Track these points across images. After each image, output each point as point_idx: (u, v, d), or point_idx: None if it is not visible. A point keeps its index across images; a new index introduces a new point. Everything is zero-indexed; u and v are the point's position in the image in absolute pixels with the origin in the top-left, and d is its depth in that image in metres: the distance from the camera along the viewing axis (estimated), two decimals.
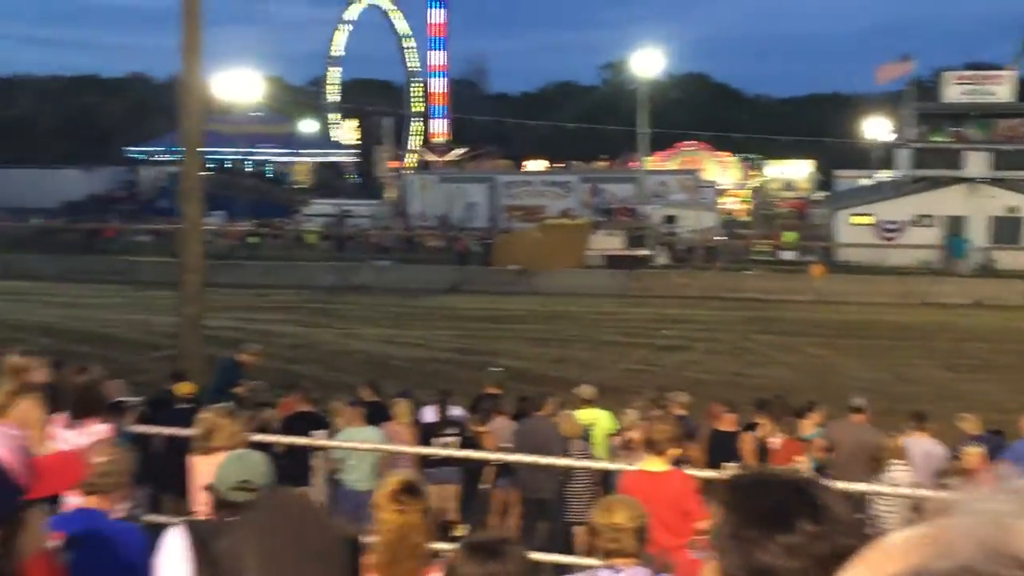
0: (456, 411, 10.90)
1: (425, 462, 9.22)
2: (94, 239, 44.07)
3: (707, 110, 74.17)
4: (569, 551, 7.33)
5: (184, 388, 9.91)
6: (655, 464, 4.94)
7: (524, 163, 61.93)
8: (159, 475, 8.56)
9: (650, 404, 10.03)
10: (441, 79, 71.86)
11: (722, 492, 1.58)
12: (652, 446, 4.91)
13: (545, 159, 63.68)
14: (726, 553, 1.42)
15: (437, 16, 70.80)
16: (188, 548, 1.28)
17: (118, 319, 25.76)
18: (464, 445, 9.43)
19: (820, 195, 61.50)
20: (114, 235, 44.83)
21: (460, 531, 8.28)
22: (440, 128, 71.69)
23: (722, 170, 60.71)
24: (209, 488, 3.26)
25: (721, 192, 55.18)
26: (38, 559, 2.11)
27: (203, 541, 1.30)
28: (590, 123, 63.29)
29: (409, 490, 3.01)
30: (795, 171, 67.90)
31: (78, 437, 5.44)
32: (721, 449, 8.89)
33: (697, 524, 5.06)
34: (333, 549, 1.46)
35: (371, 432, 8.60)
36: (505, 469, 9.17)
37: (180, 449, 7.94)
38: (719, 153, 62.91)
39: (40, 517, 1.68)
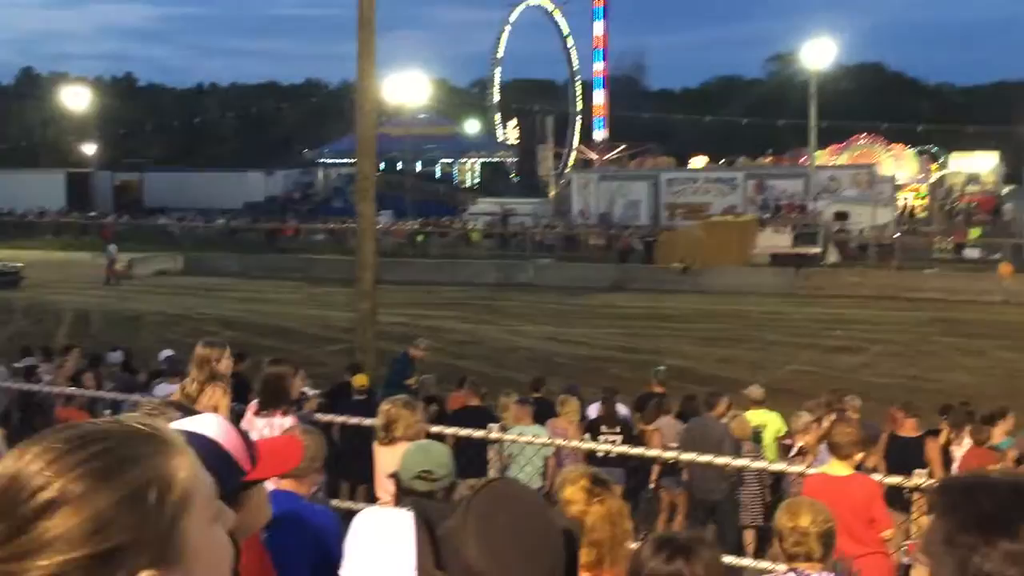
0: (621, 409, 10.87)
1: (590, 460, 9.23)
2: (274, 238, 46.57)
3: (882, 101, 70.75)
4: (740, 554, 7.17)
5: (360, 380, 10.32)
6: (838, 468, 4.77)
7: (688, 160, 60.93)
8: (337, 463, 8.98)
9: (824, 407, 9.70)
10: (601, 91, 71.74)
11: (935, 496, 1.50)
12: (836, 449, 4.73)
13: (708, 156, 62.44)
14: (940, 560, 1.36)
15: (599, 28, 70.71)
16: (415, 529, 1.35)
17: (296, 313, 27.10)
18: (627, 444, 9.37)
19: (1007, 189, 57.46)
20: (292, 234, 47.17)
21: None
22: (600, 127, 71.59)
23: (898, 164, 57.70)
24: (393, 476, 3.39)
25: (898, 187, 52.45)
26: (251, 539, 2.24)
27: (429, 523, 1.35)
28: (756, 117, 61.62)
29: (599, 481, 3.00)
30: (980, 164, 63.65)
31: (264, 426, 5.75)
32: (901, 455, 8.47)
33: (882, 531, 4.86)
34: (554, 539, 1.48)
35: (539, 430, 8.68)
36: (670, 469, 9.06)
37: (356, 438, 8.32)
38: (895, 146, 59.78)
39: (263, 497, 1.79)
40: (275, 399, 5.90)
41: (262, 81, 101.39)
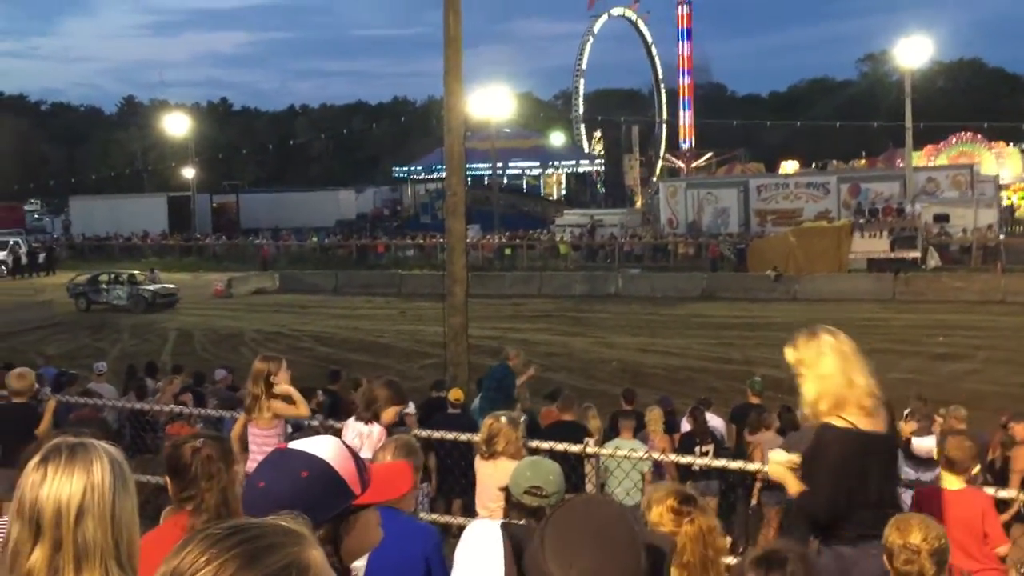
0: (714, 421, 10.71)
1: (687, 473, 9.13)
2: (365, 254, 47.43)
3: (981, 98, 68.29)
4: None
5: (456, 394, 10.43)
6: (951, 482, 4.62)
7: (777, 166, 59.82)
8: (436, 477, 9.11)
9: (925, 417, 9.37)
10: (688, 112, 71.10)
11: None
12: (951, 464, 4.58)
13: (799, 160, 61.19)
14: None
15: (684, 48, 70.30)
16: (503, 549, 1.36)
17: (388, 329, 27.52)
18: (719, 456, 9.22)
19: None
20: (383, 251, 47.96)
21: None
22: (686, 124, 70.92)
23: (1000, 162, 55.53)
24: (504, 490, 3.44)
25: (1002, 187, 50.44)
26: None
27: (517, 543, 1.36)
28: (848, 120, 60.13)
29: (687, 499, 2.94)
30: None
31: (355, 436, 5.82)
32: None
33: (996, 547, 4.67)
34: (634, 553, 1.48)
35: (635, 444, 8.63)
36: (772, 483, 8.88)
37: (454, 452, 8.40)
38: (996, 144, 57.54)
39: (374, 520, 1.84)
40: (375, 412, 5.94)
41: (350, 101, 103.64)
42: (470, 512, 7.45)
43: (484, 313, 25.53)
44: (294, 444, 1.77)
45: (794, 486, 4.06)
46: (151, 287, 33.57)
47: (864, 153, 60.60)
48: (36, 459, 1.73)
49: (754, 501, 9.18)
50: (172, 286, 34.53)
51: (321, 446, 1.76)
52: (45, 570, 1.64)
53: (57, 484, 1.68)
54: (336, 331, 27.17)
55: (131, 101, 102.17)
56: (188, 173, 62.03)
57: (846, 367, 3.98)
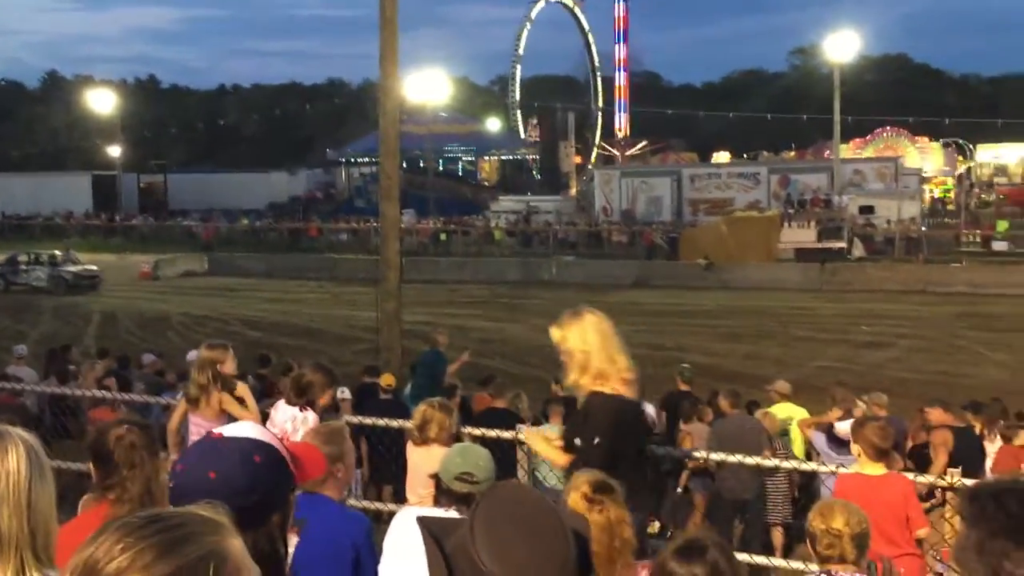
0: (647, 408, 10.83)
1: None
2: (297, 238, 46.80)
3: (907, 93, 70.09)
4: (769, 554, 7.13)
5: (387, 379, 10.36)
6: (871, 468, 4.73)
7: (711, 156, 60.69)
8: (366, 464, 9.04)
9: (847, 402, 9.60)
10: (622, 73, 71.40)
11: (964, 503, 1.49)
12: (872, 449, 4.69)
13: (731, 151, 62.14)
14: (970, 568, 1.35)
15: (620, 9, 70.46)
16: (424, 544, 1.34)
17: (321, 314, 27.22)
18: (651, 443, 9.32)
19: None
20: (316, 234, 47.38)
21: (653, 530, 8.22)
22: (622, 122, 71.39)
23: (924, 157, 57.18)
24: (433, 477, 3.42)
25: (925, 180, 51.96)
26: None
27: (437, 537, 1.34)
28: (779, 112, 61.23)
29: (602, 487, 2.96)
30: (1007, 155, 62.93)
31: (286, 420, 5.74)
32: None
33: (916, 532, 4.80)
34: (563, 539, 1.47)
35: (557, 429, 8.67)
36: (701, 471, 9.02)
37: (385, 439, 8.34)
38: (920, 139, 59.24)
39: (292, 504, 1.80)
40: (304, 398, 5.85)
41: (284, 82, 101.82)
42: (401, 499, 7.42)
43: (418, 298, 25.41)
44: (226, 430, 1.71)
45: (560, 459, 4.30)
46: (72, 268, 32.67)
47: (794, 145, 61.81)
48: None
49: (681, 487, 9.32)
50: (94, 267, 33.66)
51: (252, 430, 1.71)
52: None
53: None
54: (267, 315, 26.80)
55: (54, 76, 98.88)
56: (114, 151, 60.34)
57: (606, 344, 4.36)
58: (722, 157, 60.59)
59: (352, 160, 63.03)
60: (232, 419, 5.93)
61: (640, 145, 64.76)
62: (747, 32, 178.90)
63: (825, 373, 18.49)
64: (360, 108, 73.52)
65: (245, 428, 1.73)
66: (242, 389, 5.77)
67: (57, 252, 34.27)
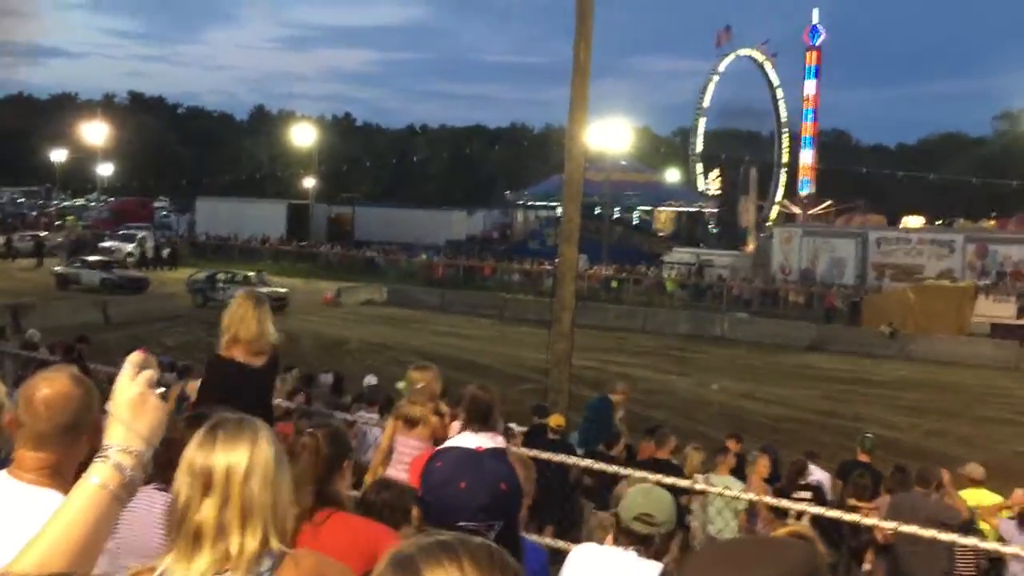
0: (819, 474, 10.35)
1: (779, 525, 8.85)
2: (472, 275, 47.91)
3: None
4: None
5: (556, 420, 10.39)
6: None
7: (899, 219, 57.96)
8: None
9: None
10: (810, 151, 69.38)
11: None
12: None
13: (924, 216, 59.11)
14: None
15: (810, 87, 68.73)
16: None
17: (489, 350, 27.65)
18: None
19: None
20: (490, 273, 48.36)
21: None
22: (806, 188, 69.36)
23: None
24: (614, 515, 3.39)
25: None
26: None
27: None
28: (980, 177, 57.84)
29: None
30: None
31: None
32: None
33: None
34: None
35: (734, 483, 8.42)
36: (884, 548, 8.50)
37: (549, 478, 8.35)
38: None
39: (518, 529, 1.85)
40: (485, 423, 5.93)
41: (469, 124, 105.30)
42: (564, 536, 7.40)
43: (586, 343, 25.37)
44: (476, 442, 1.78)
45: None
46: (263, 289, 34.67)
47: (994, 213, 58.16)
48: (205, 428, 1.80)
49: (867, 566, 8.73)
50: (283, 290, 35.58)
51: (505, 456, 1.77)
52: (213, 524, 1.71)
53: (227, 448, 1.76)
54: (438, 348, 27.44)
55: (261, 110, 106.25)
56: (309, 183, 63.91)
57: (248, 316, 5.03)
58: (912, 222, 57.69)
59: (530, 203, 64.13)
60: (438, 441, 6.11)
61: (825, 204, 62.68)
62: (947, 94, 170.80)
63: (1019, 459, 17.14)
64: (540, 152, 74.90)
65: (500, 453, 1.79)
66: (444, 407, 5.98)
67: (251, 273, 36.51)
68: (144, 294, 35.64)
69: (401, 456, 5.86)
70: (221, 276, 35.46)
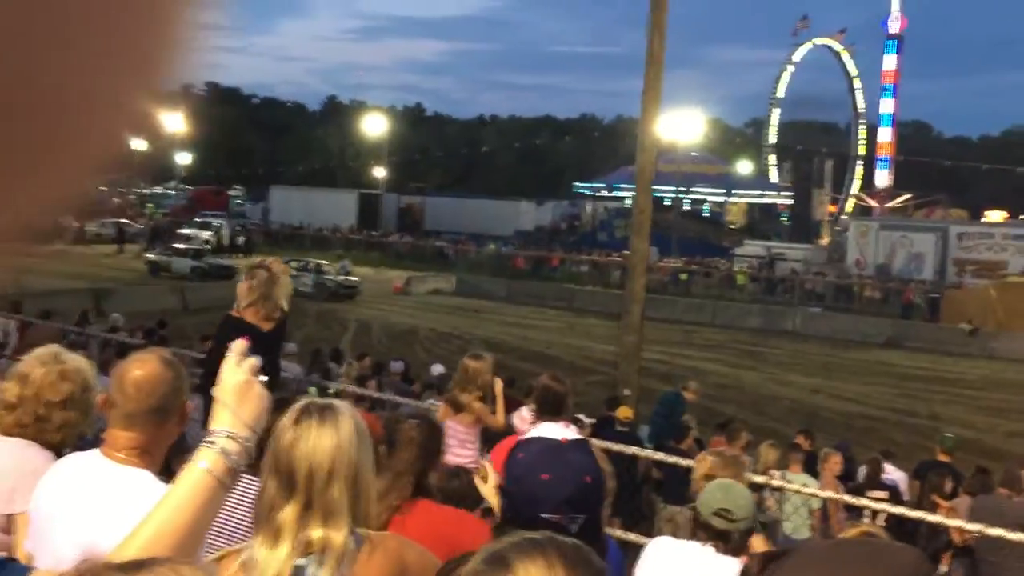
0: (895, 474, 10.11)
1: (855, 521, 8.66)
2: (540, 266, 47.89)
3: None
4: None
5: (624, 412, 10.32)
6: None
7: (982, 214, 56.17)
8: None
9: None
10: (888, 128, 67.56)
11: None
12: None
13: (1007, 210, 57.17)
14: None
15: (890, 62, 66.89)
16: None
17: (557, 341, 27.62)
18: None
19: None
20: (558, 264, 48.28)
21: None
22: (884, 173, 67.61)
23: None
24: (693, 510, 3.35)
25: None
26: None
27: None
28: None
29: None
30: None
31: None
32: None
33: None
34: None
35: (809, 480, 8.26)
36: (962, 550, 8.25)
37: (620, 469, 8.30)
38: None
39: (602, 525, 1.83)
40: (554, 411, 5.95)
41: (538, 115, 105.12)
42: (631, 529, 7.35)
43: (655, 336, 25.17)
44: (560, 433, 1.76)
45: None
46: (335, 277, 35.21)
47: None
48: (289, 418, 1.81)
49: (944, 568, 8.52)
50: (355, 279, 36.10)
51: (589, 448, 1.75)
52: (295, 525, 1.73)
53: (311, 444, 1.76)
54: (506, 338, 27.51)
55: (333, 100, 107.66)
56: (379, 173, 64.58)
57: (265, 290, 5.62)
58: (995, 216, 55.87)
59: (598, 194, 63.83)
60: (484, 426, 6.14)
61: (903, 198, 61.09)
62: None
63: None
64: (610, 143, 74.42)
65: (585, 445, 1.77)
66: (499, 387, 6.02)
67: (323, 261, 37.10)
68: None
69: (451, 442, 5.92)
70: (293, 264, 36.01)
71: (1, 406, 2.72)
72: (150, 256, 38.50)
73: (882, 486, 9.34)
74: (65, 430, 2.72)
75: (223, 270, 37.40)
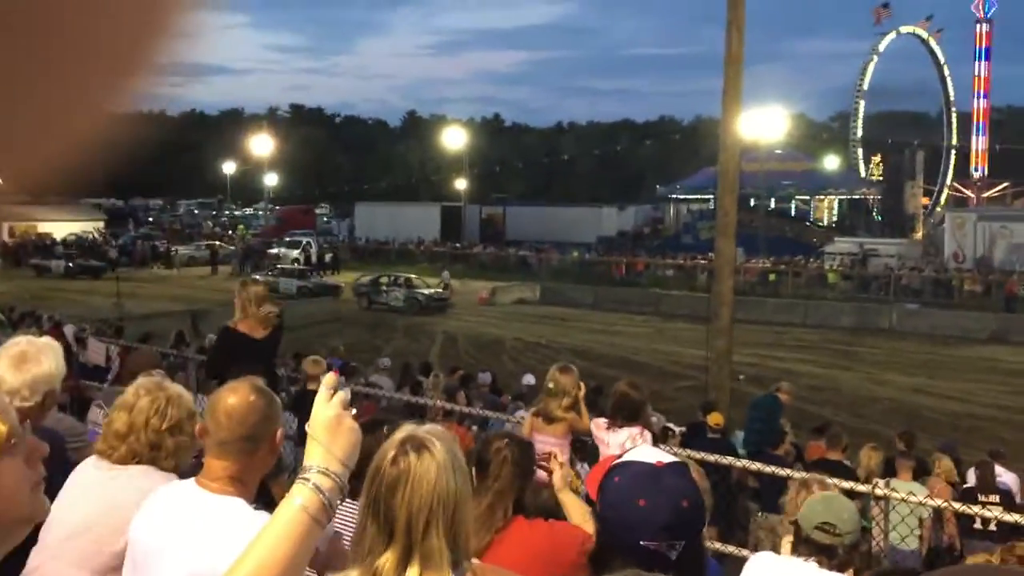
0: (1005, 476, 9.66)
1: (967, 531, 8.31)
2: (625, 272, 47.55)
3: None
4: None
5: (716, 419, 10.11)
6: None
7: None
8: None
9: None
10: (982, 137, 64.88)
11: None
12: None
13: None
14: None
15: (981, 69, 64.47)
16: None
17: (645, 347, 27.35)
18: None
19: None
20: (643, 269, 47.87)
21: None
22: (981, 161, 65.11)
23: None
24: (794, 524, 3.24)
25: None
26: None
27: None
28: None
29: None
30: None
31: (626, 439, 5.75)
32: None
33: None
34: None
35: (917, 487, 7.95)
36: None
37: (714, 477, 8.13)
38: None
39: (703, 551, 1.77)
40: (628, 415, 5.88)
41: (617, 119, 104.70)
42: (728, 540, 7.18)
43: (745, 339, 24.65)
44: (656, 456, 1.71)
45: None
46: (425, 291, 35.53)
47: None
48: (387, 456, 1.78)
49: None
50: (445, 292, 36.46)
51: (687, 471, 1.70)
52: (394, 571, 1.71)
53: (410, 488, 1.73)
54: (593, 346, 27.36)
55: (413, 115, 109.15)
56: (460, 185, 65.16)
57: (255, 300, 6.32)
58: None
59: (681, 196, 63.12)
60: (575, 436, 6.08)
61: (1001, 186, 58.76)
62: None
63: None
64: (691, 145, 73.57)
65: (682, 467, 1.71)
66: (581, 393, 5.97)
67: (413, 276, 37.54)
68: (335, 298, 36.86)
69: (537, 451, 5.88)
70: (384, 279, 36.52)
71: (113, 436, 2.79)
72: (256, 278, 39.19)
73: (995, 490, 8.93)
74: (179, 455, 2.78)
75: (329, 289, 38.03)
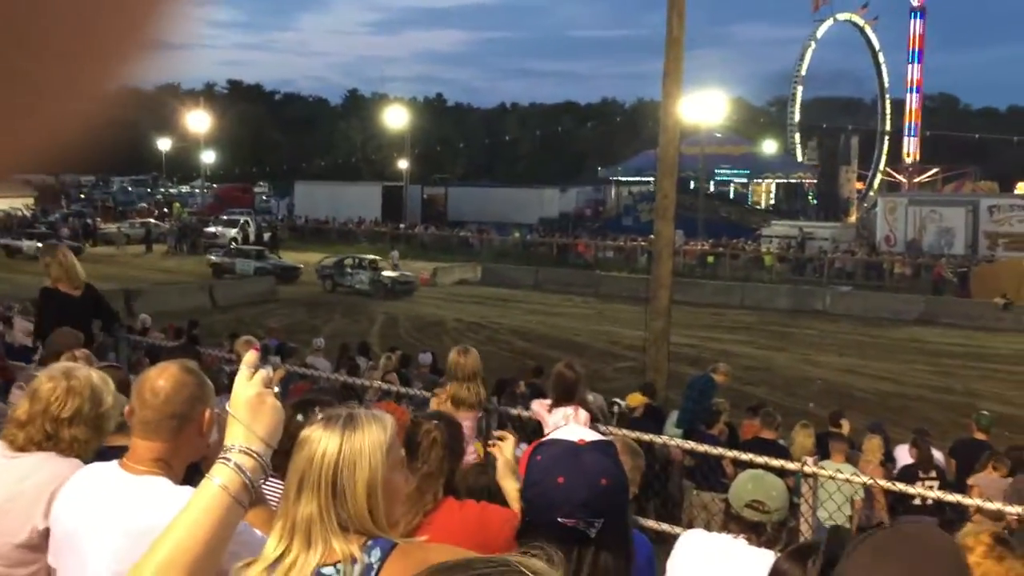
0: (935, 454, 9.96)
1: (899, 508, 8.56)
2: (565, 253, 47.75)
3: None
4: None
5: (634, 399, 10.24)
6: None
7: (1013, 186, 55.30)
8: None
9: None
10: (915, 95, 66.62)
11: None
12: None
13: None
14: None
15: (916, 27, 65.93)
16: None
17: (585, 328, 27.55)
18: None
19: None
20: (583, 250, 48.12)
21: None
22: (912, 147, 66.66)
23: None
24: (723, 502, 3.29)
25: None
26: None
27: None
28: None
29: (1004, 541, 2.90)
30: None
31: (562, 417, 5.84)
32: None
33: None
34: None
35: (849, 468, 8.14)
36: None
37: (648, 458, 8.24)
38: None
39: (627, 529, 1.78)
40: (567, 396, 5.99)
41: (559, 101, 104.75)
42: (664, 518, 7.30)
43: (683, 320, 25.02)
44: (579, 435, 1.71)
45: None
46: (391, 274, 34.52)
47: None
48: (316, 425, 1.76)
49: None
50: (410, 274, 35.47)
51: (612, 448, 1.70)
52: (320, 526, 1.70)
53: (336, 453, 1.71)
54: (534, 327, 27.48)
55: (355, 94, 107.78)
56: (402, 164, 64.71)
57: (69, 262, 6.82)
58: None
59: (622, 178, 63.51)
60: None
61: (931, 172, 60.28)
62: None
63: None
64: (633, 127, 74.00)
65: (605, 446, 1.72)
66: (482, 388, 6.19)
67: (377, 258, 36.41)
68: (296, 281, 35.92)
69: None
70: (348, 261, 35.33)
71: (13, 424, 2.70)
72: (213, 258, 37.96)
73: (934, 467, 9.20)
74: (76, 447, 2.67)
75: (288, 271, 36.79)
